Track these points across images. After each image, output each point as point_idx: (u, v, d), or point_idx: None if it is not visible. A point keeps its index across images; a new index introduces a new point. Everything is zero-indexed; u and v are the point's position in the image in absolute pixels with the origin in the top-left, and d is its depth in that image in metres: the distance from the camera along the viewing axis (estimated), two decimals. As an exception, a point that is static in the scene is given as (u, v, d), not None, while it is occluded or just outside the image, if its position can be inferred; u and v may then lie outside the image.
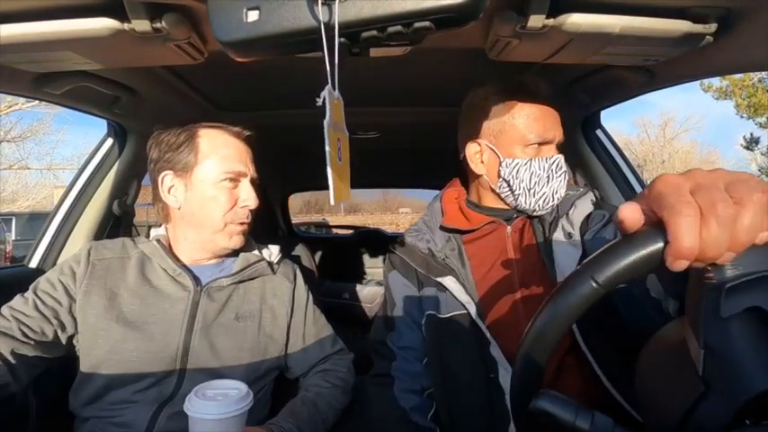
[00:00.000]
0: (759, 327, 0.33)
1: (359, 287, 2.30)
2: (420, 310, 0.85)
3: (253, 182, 0.88)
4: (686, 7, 0.62)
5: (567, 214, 0.81)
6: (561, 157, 0.82)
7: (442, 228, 0.87)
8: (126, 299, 0.82)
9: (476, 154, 0.86)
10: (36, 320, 0.77)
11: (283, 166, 2.28)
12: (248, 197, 0.85)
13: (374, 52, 0.60)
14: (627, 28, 0.63)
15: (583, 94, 1.10)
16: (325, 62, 0.46)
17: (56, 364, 0.82)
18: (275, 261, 0.95)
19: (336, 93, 0.47)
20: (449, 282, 0.80)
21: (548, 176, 0.80)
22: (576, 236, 0.79)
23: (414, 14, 0.46)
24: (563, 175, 0.81)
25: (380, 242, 3.26)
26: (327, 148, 0.44)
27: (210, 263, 0.89)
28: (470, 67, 0.96)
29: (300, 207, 23.42)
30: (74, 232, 1.17)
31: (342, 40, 0.48)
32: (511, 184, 0.81)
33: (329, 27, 0.46)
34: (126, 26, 0.60)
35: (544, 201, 0.80)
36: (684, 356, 0.35)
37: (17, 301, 0.79)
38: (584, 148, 1.30)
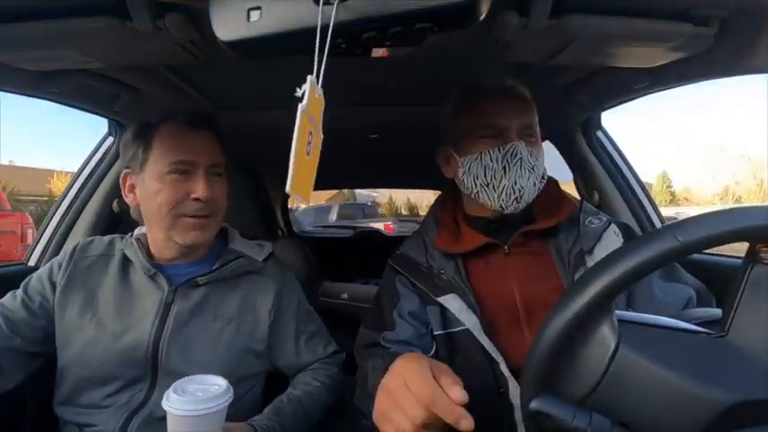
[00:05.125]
0: None
1: (358, 287, 2.29)
2: (425, 324, 0.80)
3: (211, 171, 0.82)
4: (687, 10, 0.62)
5: (593, 250, 0.73)
6: (518, 144, 0.75)
7: (437, 248, 0.83)
8: (103, 299, 0.81)
9: (444, 160, 0.86)
10: (24, 317, 0.78)
11: (284, 166, 2.28)
12: (198, 188, 0.78)
13: (375, 53, 0.60)
14: (628, 30, 0.63)
15: (583, 95, 1.10)
16: (324, 61, 0.46)
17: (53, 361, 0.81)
18: (262, 259, 0.91)
19: (319, 89, 0.46)
20: (450, 300, 0.76)
21: (503, 167, 0.75)
22: None
23: (415, 15, 0.46)
24: (520, 164, 0.75)
25: (379, 242, 3.26)
26: (296, 135, 0.43)
27: (186, 261, 0.86)
28: (471, 67, 0.96)
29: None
30: (73, 230, 1.17)
31: (342, 40, 0.48)
32: (466, 182, 0.80)
33: (330, 28, 0.46)
34: (128, 24, 0.60)
35: (506, 195, 0.75)
36: None
37: (7, 298, 0.81)
38: (584, 150, 1.30)
